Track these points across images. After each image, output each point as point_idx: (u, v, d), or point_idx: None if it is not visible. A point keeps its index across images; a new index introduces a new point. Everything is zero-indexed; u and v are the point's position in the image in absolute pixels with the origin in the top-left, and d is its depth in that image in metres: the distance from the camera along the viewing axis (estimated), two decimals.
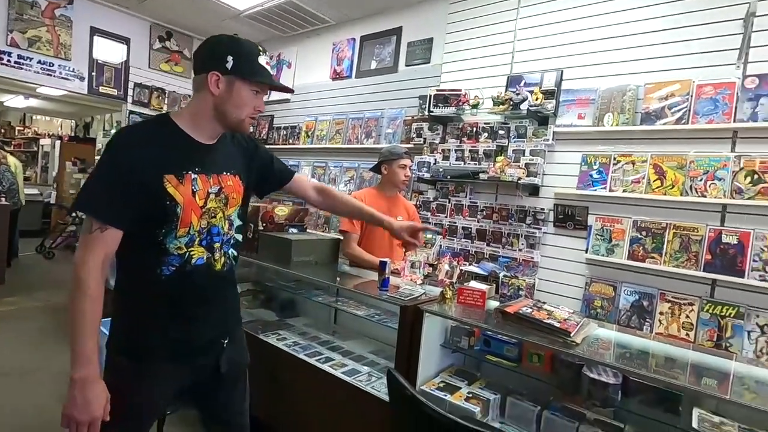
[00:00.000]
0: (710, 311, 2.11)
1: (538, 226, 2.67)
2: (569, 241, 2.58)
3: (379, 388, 1.71)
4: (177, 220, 1.07)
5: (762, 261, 2.00)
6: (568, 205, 2.58)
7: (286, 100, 4.44)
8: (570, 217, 2.58)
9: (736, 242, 2.07)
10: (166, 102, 4.68)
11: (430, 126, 3.19)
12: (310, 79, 4.29)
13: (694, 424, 1.26)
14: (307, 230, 2.80)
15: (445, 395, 1.54)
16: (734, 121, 2.10)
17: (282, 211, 2.47)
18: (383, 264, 1.78)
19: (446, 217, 3.06)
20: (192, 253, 1.12)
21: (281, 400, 2.00)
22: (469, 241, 2.94)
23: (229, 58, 1.08)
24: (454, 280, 1.92)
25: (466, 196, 2.99)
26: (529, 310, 1.46)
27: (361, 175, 3.68)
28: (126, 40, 4.43)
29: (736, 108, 2.11)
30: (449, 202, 3.06)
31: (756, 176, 2.05)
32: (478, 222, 2.91)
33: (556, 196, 2.63)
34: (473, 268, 2.70)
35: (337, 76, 4.04)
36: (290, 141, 4.29)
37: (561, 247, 2.61)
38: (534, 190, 2.71)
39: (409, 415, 0.87)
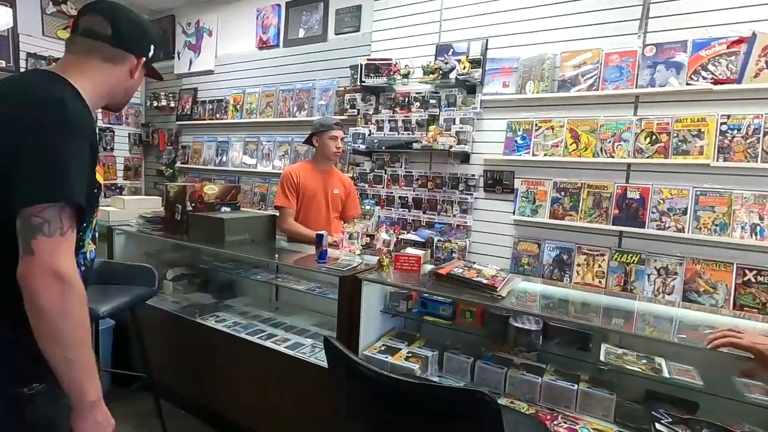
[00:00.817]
0: (618, 260, 2.37)
1: (469, 192, 2.79)
2: (498, 205, 2.73)
3: (323, 358, 1.74)
4: (98, 208, 1.00)
5: (659, 212, 2.27)
6: (497, 170, 2.72)
7: (210, 72, 4.16)
8: (498, 182, 2.72)
9: (638, 197, 2.32)
10: None
11: (362, 97, 3.16)
12: (234, 48, 4.03)
13: (602, 357, 1.44)
14: (241, 208, 2.70)
15: (387, 357, 1.61)
16: (636, 87, 2.31)
17: (212, 189, 2.36)
18: (320, 237, 1.78)
19: (383, 187, 3.10)
20: (89, 246, 0.99)
21: (225, 382, 1.97)
22: (407, 210, 3.01)
23: (152, 47, 1.04)
24: (391, 248, 1.98)
25: (401, 166, 3.04)
26: (461, 271, 1.55)
27: (296, 149, 3.58)
28: (10, 2, 3.84)
29: (637, 75, 2.31)
30: (385, 173, 3.09)
31: (654, 137, 2.28)
32: (413, 191, 2.98)
33: (485, 162, 2.75)
34: (411, 236, 2.78)
35: (263, 45, 3.83)
36: (217, 116, 4.04)
37: (491, 210, 2.76)
38: (465, 158, 2.81)
39: (346, 376, 0.90)
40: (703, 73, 2.17)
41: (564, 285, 2.32)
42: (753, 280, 2.07)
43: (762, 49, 2.05)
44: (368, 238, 2.09)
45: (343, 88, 3.32)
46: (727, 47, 2.12)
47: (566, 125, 2.50)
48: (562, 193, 2.52)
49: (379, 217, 3.07)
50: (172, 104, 4.36)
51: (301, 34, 3.61)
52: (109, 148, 4.39)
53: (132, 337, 2.27)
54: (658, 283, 2.27)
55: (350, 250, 2.02)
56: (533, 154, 2.58)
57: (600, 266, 2.42)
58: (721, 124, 2.13)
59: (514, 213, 2.64)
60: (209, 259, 2.47)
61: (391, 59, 2.96)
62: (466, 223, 2.79)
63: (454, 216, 2.83)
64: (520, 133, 2.64)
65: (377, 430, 0.89)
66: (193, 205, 2.25)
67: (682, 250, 2.22)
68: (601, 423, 1.38)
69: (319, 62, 3.49)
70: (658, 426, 1.23)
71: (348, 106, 3.22)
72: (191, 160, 4.25)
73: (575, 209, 2.48)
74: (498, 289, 1.43)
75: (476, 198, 2.80)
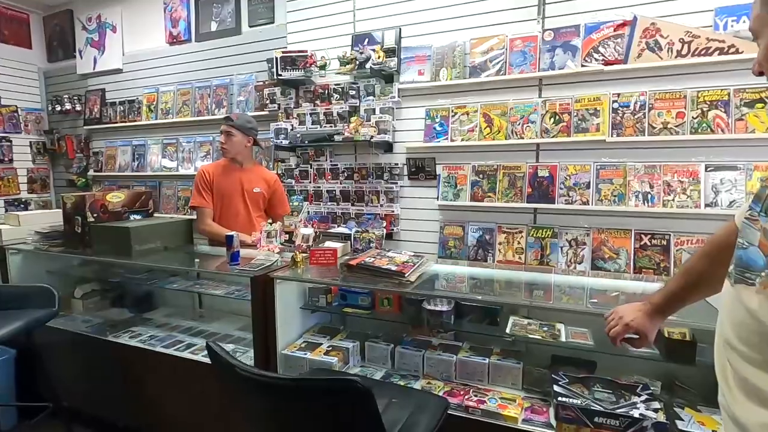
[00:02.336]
0: (534, 235, 2.50)
1: (394, 180, 2.82)
2: (423, 191, 2.78)
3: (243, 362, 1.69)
4: None
5: (566, 188, 2.41)
6: (419, 157, 2.76)
7: (118, 71, 3.86)
8: (421, 169, 2.77)
9: (547, 175, 2.46)
10: None
11: (282, 91, 3.08)
12: (142, 44, 3.76)
13: (507, 330, 1.52)
14: (155, 214, 2.55)
15: (305, 354, 1.60)
16: (539, 71, 2.42)
17: (117, 197, 2.20)
18: (229, 238, 1.72)
19: (310, 182, 3.05)
20: None
21: (143, 399, 1.87)
22: (335, 203, 2.99)
23: None
24: (310, 243, 1.95)
25: (326, 160, 3.01)
26: (371, 260, 1.56)
27: (218, 148, 3.42)
28: None
29: (539, 59, 2.43)
30: (311, 168, 3.04)
31: (557, 117, 2.42)
32: (340, 183, 2.96)
33: (407, 151, 2.79)
34: (341, 229, 2.77)
35: (174, 40, 3.61)
36: (130, 117, 3.77)
37: (416, 197, 2.81)
38: (388, 147, 2.83)
39: (230, 380, 0.87)
40: (595, 55, 2.32)
41: (483, 265, 2.43)
42: (648, 243, 2.27)
43: (643, 31, 2.22)
44: (287, 235, 2.05)
45: (262, 83, 3.21)
46: (614, 30, 2.28)
47: (480, 110, 2.59)
48: (481, 176, 2.61)
49: (308, 212, 3.02)
50: (78, 107, 4.01)
51: (214, 27, 3.44)
52: (6, 159, 3.97)
53: (37, 364, 2.08)
54: (570, 254, 2.42)
55: (269, 249, 1.97)
56: (451, 140, 2.64)
57: (519, 243, 2.54)
58: (613, 102, 2.30)
59: (438, 198, 2.70)
60: (121, 272, 2.31)
61: (306, 51, 2.90)
62: (393, 211, 2.82)
63: (381, 206, 2.85)
64: (438, 120, 2.70)
65: (267, 430, 0.87)
66: (95, 215, 2.09)
67: (588, 221, 2.39)
68: (510, 391, 1.45)
69: (234, 56, 3.35)
70: (556, 388, 1.31)
71: (268, 101, 3.13)
72: (105, 167, 3.94)
73: (493, 190, 2.58)
74: (406, 275, 1.46)
75: (402, 186, 2.83)
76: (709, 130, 2.13)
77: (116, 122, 3.83)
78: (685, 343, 1.23)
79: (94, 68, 3.95)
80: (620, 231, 2.32)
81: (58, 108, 4.02)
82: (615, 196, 2.31)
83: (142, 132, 3.79)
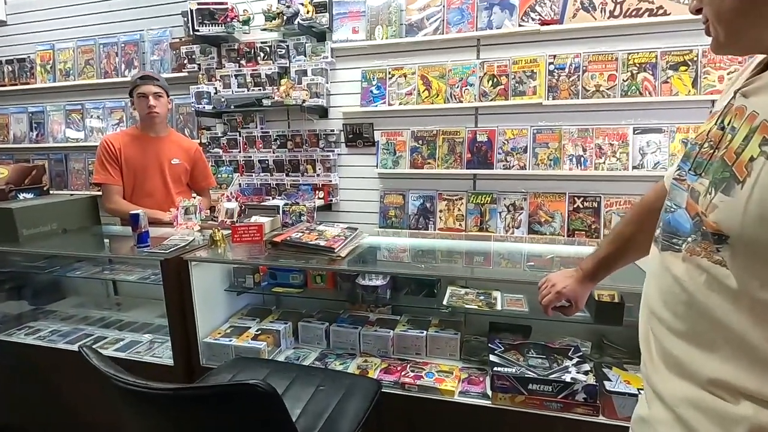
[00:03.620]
0: (474, 201, 2.48)
1: (331, 148, 2.65)
2: (362, 159, 2.65)
3: (161, 354, 1.53)
4: None
5: (504, 153, 2.39)
6: (356, 123, 2.61)
7: (2, 23, 3.27)
8: (359, 136, 2.62)
9: (486, 140, 2.41)
10: None
11: (201, 49, 2.75)
12: None
13: (445, 301, 1.47)
14: (58, 192, 2.22)
15: (230, 340, 1.46)
16: (476, 30, 2.32)
17: None
18: (134, 217, 1.50)
19: (240, 152, 2.81)
20: None
21: (44, 404, 1.65)
22: (269, 174, 2.78)
23: None
24: (234, 218, 1.77)
25: (256, 127, 2.77)
26: (299, 235, 1.43)
27: (132, 115, 3.04)
28: None
29: (477, 17, 2.33)
30: (240, 135, 2.79)
31: (495, 79, 2.35)
32: (273, 153, 2.75)
33: (344, 116, 2.62)
34: (275, 202, 2.59)
35: None
36: (22, 79, 3.24)
37: (355, 165, 2.67)
38: (323, 112, 2.64)
39: (115, 393, 0.73)
40: (532, 15, 2.25)
41: (423, 234, 2.39)
42: (581, 206, 2.32)
43: None
44: (208, 212, 1.85)
45: (178, 40, 2.85)
46: None
47: (417, 72, 2.46)
48: (420, 142, 2.52)
49: (239, 184, 2.79)
50: None
51: None
52: None
53: None
54: (508, 219, 2.43)
55: (188, 227, 1.76)
56: (389, 104, 2.51)
57: (459, 210, 2.51)
58: (549, 64, 2.26)
59: (377, 166, 2.58)
60: (16, 260, 2.00)
61: (226, 3, 2.58)
62: (331, 181, 2.67)
63: (318, 175, 2.68)
64: (374, 83, 2.54)
65: None
66: None
67: (526, 186, 2.39)
68: (447, 363, 1.42)
69: (144, 8, 2.93)
70: (492, 357, 1.29)
71: (186, 61, 2.79)
72: None
73: (433, 157, 2.50)
74: (336, 250, 1.35)
75: (339, 154, 2.68)
76: (637, 92, 2.16)
77: (5, 84, 3.28)
78: (614, 305, 1.24)
79: None
80: (555, 195, 2.35)
81: None
82: (551, 160, 2.32)
83: (38, 96, 3.28)
